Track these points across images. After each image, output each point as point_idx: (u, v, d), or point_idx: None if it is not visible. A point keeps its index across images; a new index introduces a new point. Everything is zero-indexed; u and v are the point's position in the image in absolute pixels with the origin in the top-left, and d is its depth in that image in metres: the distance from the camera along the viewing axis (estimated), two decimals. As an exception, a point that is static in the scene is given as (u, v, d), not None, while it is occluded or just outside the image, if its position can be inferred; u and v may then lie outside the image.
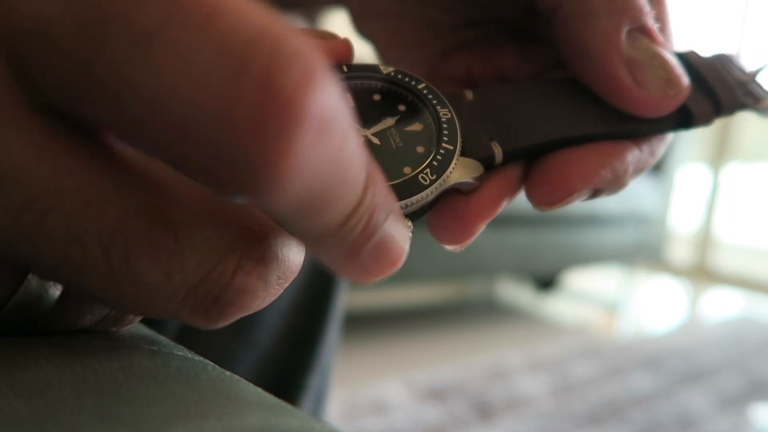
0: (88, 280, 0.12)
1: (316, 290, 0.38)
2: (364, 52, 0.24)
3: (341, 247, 0.13)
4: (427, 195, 0.16)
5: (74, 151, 0.12)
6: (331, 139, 0.11)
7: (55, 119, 0.12)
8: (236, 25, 0.10)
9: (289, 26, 0.11)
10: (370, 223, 0.13)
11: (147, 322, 0.18)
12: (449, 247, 0.19)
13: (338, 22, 0.33)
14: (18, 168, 0.11)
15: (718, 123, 0.21)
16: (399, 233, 0.14)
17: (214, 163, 0.11)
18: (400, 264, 0.15)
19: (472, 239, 0.18)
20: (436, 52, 0.24)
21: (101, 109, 0.11)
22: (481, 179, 0.18)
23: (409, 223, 0.16)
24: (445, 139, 0.17)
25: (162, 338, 0.17)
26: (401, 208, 0.16)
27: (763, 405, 1.35)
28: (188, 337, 0.32)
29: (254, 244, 0.13)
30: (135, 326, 0.17)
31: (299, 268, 0.15)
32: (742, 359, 1.64)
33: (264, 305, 0.14)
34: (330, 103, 0.11)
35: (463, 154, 0.18)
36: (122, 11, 0.10)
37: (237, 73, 0.10)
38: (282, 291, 0.15)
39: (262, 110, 0.10)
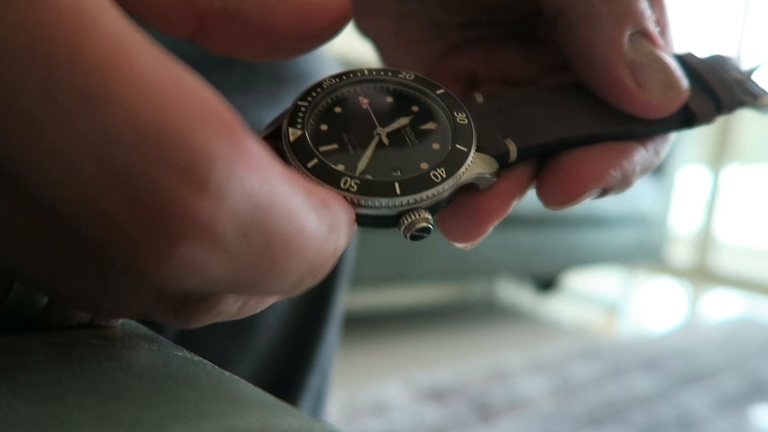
0: (62, 291, 0.13)
1: (316, 290, 0.38)
2: (364, 52, 0.24)
3: None
4: (443, 190, 0.17)
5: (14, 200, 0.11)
6: (219, 248, 0.11)
7: None
8: (124, 115, 0.09)
9: (201, 104, 0.10)
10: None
11: (146, 322, 0.19)
12: (459, 245, 0.19)
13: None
14: None
15: (718, 125, 0.21)
16: None
17: (99, 253, 0.11)
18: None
19: (483, 237, 0.19)
20: (437, 51, 0.24)
21: None
22: (497, 175, 0.18)
23: (428, 215, 0.16)
24: (460, 136, 0.18)
25: (161, 338, 0.17)
26: (419, 201, 0.16)
27: (764, 406, 1.35)
28: (188, 338, 0.32)
29: None
30: (135, 327, 0.17)
31: None
32: (742, 360, 1.63)
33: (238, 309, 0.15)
34: (223, 209, 0.10)
35: (478, 150, 0.18)
36: (6, 96, 0.09)
37: (116, 173, 0.10)
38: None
39: (138, 216, 0.10)
